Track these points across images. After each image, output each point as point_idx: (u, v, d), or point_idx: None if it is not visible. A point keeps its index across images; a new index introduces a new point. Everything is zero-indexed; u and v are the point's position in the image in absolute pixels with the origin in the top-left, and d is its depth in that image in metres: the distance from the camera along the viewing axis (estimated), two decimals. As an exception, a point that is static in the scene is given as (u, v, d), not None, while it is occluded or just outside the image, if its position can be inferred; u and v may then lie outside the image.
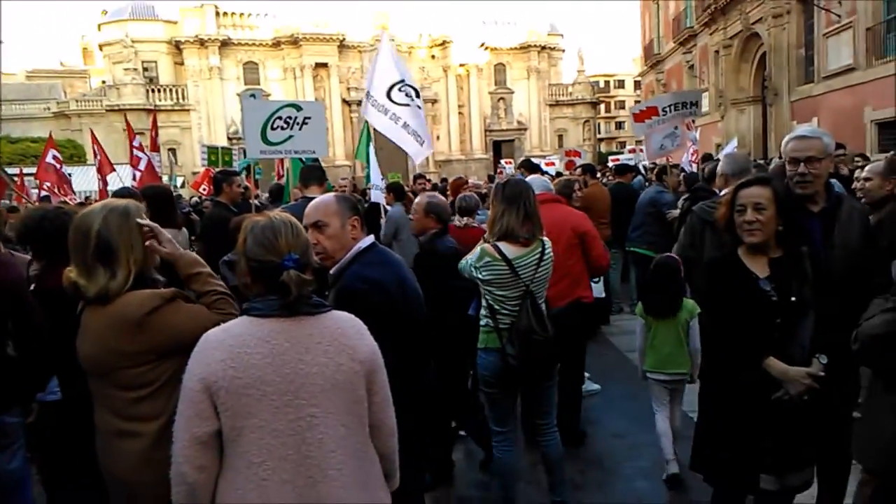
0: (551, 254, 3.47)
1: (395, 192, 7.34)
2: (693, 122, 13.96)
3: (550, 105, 48.55)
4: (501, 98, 48.00)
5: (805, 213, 2.91)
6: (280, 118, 5.26)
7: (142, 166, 10.61)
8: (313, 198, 4.12)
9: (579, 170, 9.10)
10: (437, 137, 46.02)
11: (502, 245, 3.36)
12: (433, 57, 45.35)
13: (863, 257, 2.86)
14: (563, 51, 50.48)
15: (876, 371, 2.30)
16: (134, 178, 10.55)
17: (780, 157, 3.34)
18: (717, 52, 24.56)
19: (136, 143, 11.19)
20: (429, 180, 14.58)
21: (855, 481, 2.80)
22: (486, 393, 3.55)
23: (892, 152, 7.41)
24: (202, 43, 39.88)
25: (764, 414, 2.56)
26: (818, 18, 17.83)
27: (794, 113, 19.75)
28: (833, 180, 4.09)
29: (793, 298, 2.55)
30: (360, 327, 1.96)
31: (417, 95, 6.52)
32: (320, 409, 1.80)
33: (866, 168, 4.34)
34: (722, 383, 2.71)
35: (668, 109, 8.57)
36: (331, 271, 2.64)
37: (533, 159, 25.01)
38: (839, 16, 16.72)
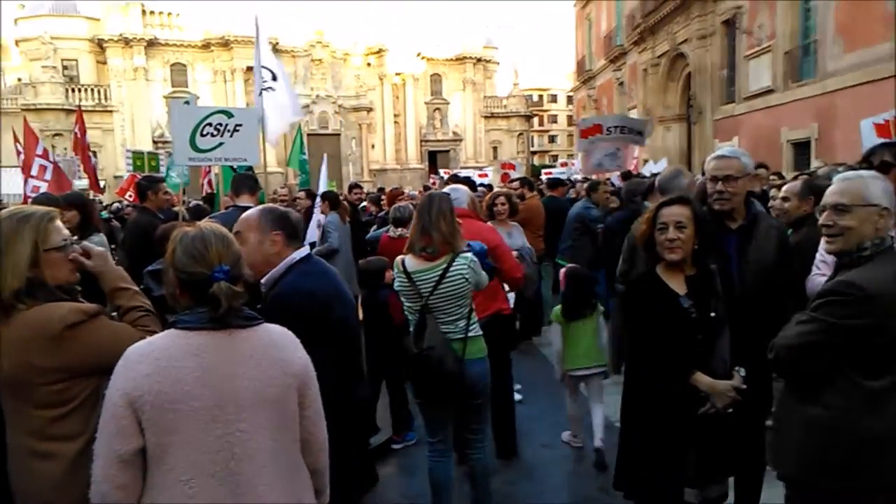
0: (464, 272, 3.34)
1: (331, 200, 7.23)
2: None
3: (486, 117, 49.13)
4: (437, 108, 48.28)
5: (723, 230, 3.03)
6: (210, 125, 5.11)
7: (48, 176, 8.48)
8: (244, 207, 4.05)
9: (516, 182, 9.21)
10: (372, 146, 45.82)
11: (407, 258, 3.42)
12: (369, 65, 45.20)
13: (776, 273, 2.99)
14: (498, 64, 51.25)
15: (788, 381, 2.41)
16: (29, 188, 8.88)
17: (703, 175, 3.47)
18: (645, 70, 25.46)
19: (39, 151, 8.86)
20: (362, 189, 14.50)
21: (769, 489, 2.93)
22: (417, 402, 3.67)
23: (813, 169, 7.87)
24: (127, 42, 38.37)
25: (688, 427, 2.64)
26: (740, 41, 18.73)
27: (716, 131, 20.65)
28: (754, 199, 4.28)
29: (712, 314, 2.65)
30: (292, 340, 1.92)
31: (274, 78, 6.76)
32: (250, 424, 1.76)
33: (783, 188, 4.51)
34: (645, 400, 2.74)
35: (612, 130, 8.77)
36: (262, 282, 2.60)
37: (467, 171, 25.19)
38: (760, 39, 17.61)
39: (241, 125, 5.27)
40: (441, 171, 27.26)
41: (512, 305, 4.90)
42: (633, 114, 27.41)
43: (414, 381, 3.50)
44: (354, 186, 9.82)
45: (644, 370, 2.73)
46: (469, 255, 3.41)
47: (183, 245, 1.81)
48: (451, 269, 3.32)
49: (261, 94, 6.58)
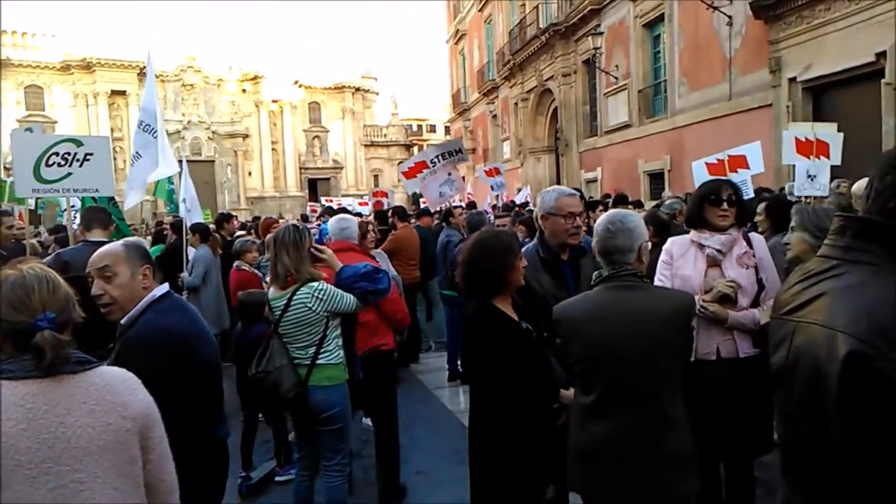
0: (306, 301, 3.45)
1: (201, 232, 6.92)
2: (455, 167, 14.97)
3: (366, 145, 49.30)
4: (317, 136, 47.88)
5: (559, 261, 3.28)
6: (57, 154, 4.78)
7: None
8: (96, 242, 3.86)
9: (391, 210, 9.29)
10: (249, 173, 44.62)
11: (271, 287, 3.68)
12: (244, 91, 44.18)
13: None
14: (378, 94, 51.75)
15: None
16: None
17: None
18: (516, 104, 26.65)
19: None
20: (236, 217, 14.06)
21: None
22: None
23: (661, 200, 8.58)
24: (-27, 62, 35.36)
25: (546, 462, 2.65)
26: (600, 79, 20.09)
27: (582, 162, 21.93)
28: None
29: (545, 334, 2.78)
30: (131, 382, 1.85)
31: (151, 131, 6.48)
32: (87, 474, 1.67)
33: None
34: (508, 440, 2.63)
35: (436, 160, 9.08)
36: (121, 321, 2.51)
37: (347, 199, 24.96)
38: (616, 78, 18.99)
39: (91, 154, 4.95)
40: (322, 199, 26.99)
41: (404, 337, 4.87)
42: (507, 145, 28.61)
43: (252, 400, 3.65)
44: (225, 218, 9.46)
45: (507, 406, 2.62)
46: (316, 284, 3.50)
47: (3, 292, 1.70)
48: (295, 297, 3.49)
49: (153, 135, 6.31)
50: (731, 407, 3.01)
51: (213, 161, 42.17)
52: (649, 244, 2.72)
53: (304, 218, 15.98)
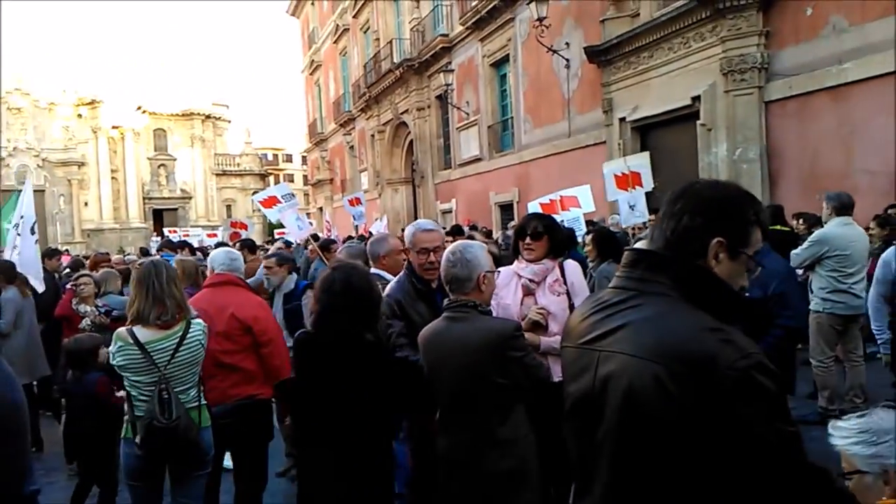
0: (199, 338, 3.35)
1: (4, 273, 6.05)
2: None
3: (217, 174, 47.31)
4: (162, 164, 45.29)
5: (430, 290, 3.34)
6: None
7: None
8: None
9: (239, 244, 8.96)
10: (86, 204, 41.34)
11: (136, 329, 3.27)
12: (80, 116, 41.01)
13: None
14: (230, 121, 50.04)
15: None
16: None
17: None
18: (372, 135, 26.90)
19: None
20: (66, 252, 12.95)
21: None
22: (129, 485, 3.39)
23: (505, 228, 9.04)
24: None
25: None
26: (452, 114, 20.80)
27: (437, 194, 22.47)
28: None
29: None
30: None
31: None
32: None
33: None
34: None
35: (286, 197, 9.16)
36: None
37: (196, 230, 23.75)
38: (468, 113, 19.75)
39: None
40: (166, 231, 25.51)
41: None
42: (364, 176, 28.70)
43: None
44: (49, 253, 8.58)
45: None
46: (200, 320, 3.42)
47: None
48: (189, 335, 3.31)
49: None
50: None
51: (43, 190, 38.59)
52: (493, 274, 2.87)
53: (145, 252, 14.94)
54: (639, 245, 3.09)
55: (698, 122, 10.80)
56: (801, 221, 7.01)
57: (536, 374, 2.76)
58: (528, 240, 3.42)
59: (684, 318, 1.35)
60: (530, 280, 3.37)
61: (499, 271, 3.35)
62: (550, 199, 8.19)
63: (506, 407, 2.63)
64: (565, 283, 3.38)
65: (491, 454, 2.58)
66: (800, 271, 5.59)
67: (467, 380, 2.59)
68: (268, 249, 9.66)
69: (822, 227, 5.67)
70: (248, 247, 8.41)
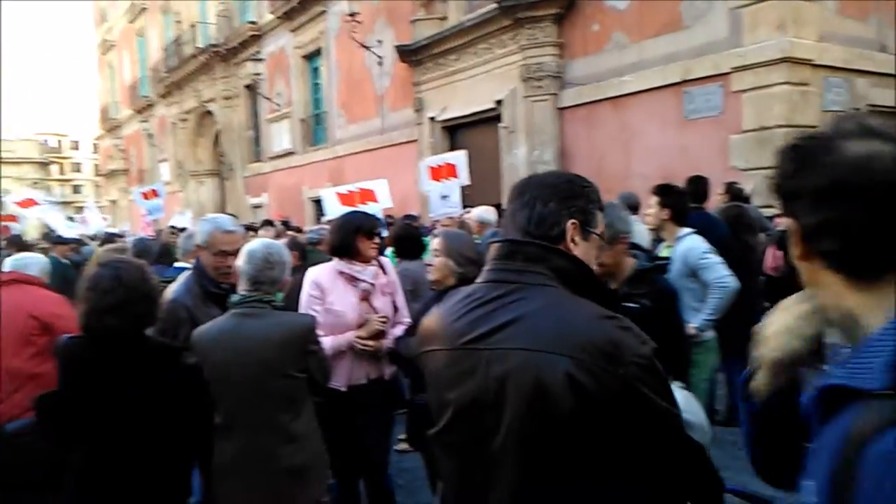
0: None
1: None
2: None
3: (-14, 162, 41.45)
4: (-87, 148, 38.73)
5: (224, 292, 3.06)
6: None
7: None
8: None
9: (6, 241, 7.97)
10: None
11: None
12: None
13: None
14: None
15: None
16: None
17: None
18: (174, 124, 25.10)
19: None
20: None
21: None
22: None
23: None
24: None
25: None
26: (262, 105, 20.02)
27: (247, 187, 21.53)
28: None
29: None
30: None
31: None
32: None
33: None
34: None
35: (46, 201, 8.63)
36: None
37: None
38: (279, 105, 19.13)
39: None
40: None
41: None
42: (165, 166, 26.71)
43: None
44: None
45: None
46: None
47: None
48: None
49: None
50: (377, 422, 3.28)
51: None
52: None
53: None
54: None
55: (500, 125, 11.44)
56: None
57: (328, 368, 2.83)
58: (376, 239, 3.26)
59: (576, 309, 1.34)
60: (371, 284, 3.22)
61: (318, 271, 3.25)
62: (349, 190, 8.09)
63: (299, 401, 2.64)
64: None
65: (285, 450, 2.57)
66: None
67: (263, 375, 2.53)
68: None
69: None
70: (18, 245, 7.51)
